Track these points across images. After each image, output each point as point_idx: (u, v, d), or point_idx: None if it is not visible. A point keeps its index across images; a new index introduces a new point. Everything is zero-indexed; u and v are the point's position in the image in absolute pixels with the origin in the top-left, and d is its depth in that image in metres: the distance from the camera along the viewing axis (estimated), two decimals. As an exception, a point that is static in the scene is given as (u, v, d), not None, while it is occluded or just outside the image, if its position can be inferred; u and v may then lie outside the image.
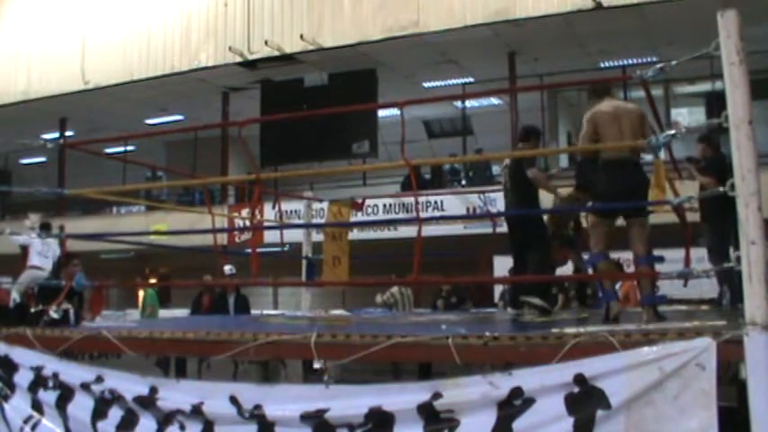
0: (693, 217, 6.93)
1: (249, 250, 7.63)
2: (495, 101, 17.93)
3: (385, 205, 14.29)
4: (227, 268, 9.54)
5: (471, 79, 16.25)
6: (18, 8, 18.83)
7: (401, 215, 13.95)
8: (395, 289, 10.36)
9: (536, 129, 6.62)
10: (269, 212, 10.19)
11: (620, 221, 5.04)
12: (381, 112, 15.66)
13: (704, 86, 15.88)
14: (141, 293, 13.78)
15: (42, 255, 9.28)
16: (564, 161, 14.69)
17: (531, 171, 6.06)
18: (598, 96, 5.26)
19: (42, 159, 21.98)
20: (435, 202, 14.03)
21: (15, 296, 9.09)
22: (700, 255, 6.82)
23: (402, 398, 3.51)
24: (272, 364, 6.61)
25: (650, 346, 3.18)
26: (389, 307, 10.25)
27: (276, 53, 15.28)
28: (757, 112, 3.29)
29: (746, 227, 3.08)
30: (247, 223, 9.27)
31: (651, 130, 4.97)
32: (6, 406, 4.55)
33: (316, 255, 8.26)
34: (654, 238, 7.04)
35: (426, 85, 16.80)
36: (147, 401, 4.04)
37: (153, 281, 15.10)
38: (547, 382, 3.26)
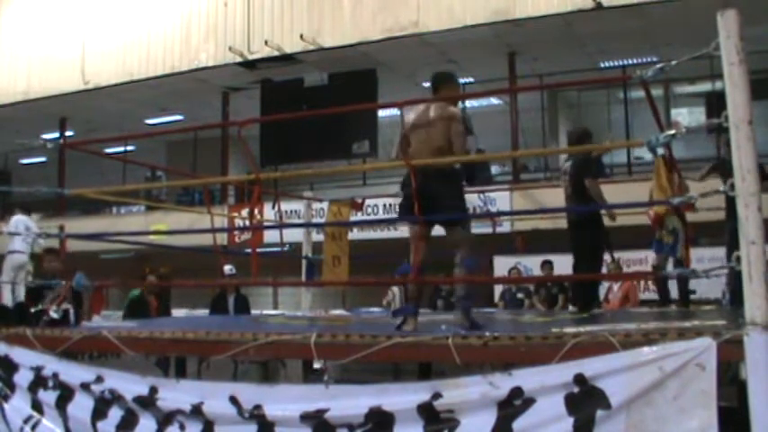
0: (694, 217, 6.94)
1: (249, 250, 7.63)
2: (495, 101, 17.92)
3: (385, 205, 14.26)
4: (227, 268, 9.52)
5: (471, 79, 16.21)
6: (18, 8, 18.83)
7: (401, 215, 13.90)
8: (395, 288, 10.37)
9: (588, 132, 6.84)
10: (269, 212, 10.19)
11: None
12: (381, 112, 15.64)
13: (704, 86, 15.90)
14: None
15: (24, 241, 9.48)
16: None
17: (588, 180, 6.43)
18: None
19: (42, 159, 21.96)
20: (435, 202, 14.00)
21: (10, 294, 9.09)
22: (699, 255, 6.82)
23: (402, 398, 3.51)
24: (272, 364, 6.61)
25: (650, 346, 3.17)
26: (389, 305, 10.27)
27: (276, 53, 15.28)
28: (757, 112, 3.28)
29: (746, 227, 3.07)
30: (247, 223, 9.25)
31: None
32: (6, 406, 4.53)
33: (316, 255, 8.26)
34: (653, 238, 7.05)
35: (426, 85, 16.67)
36: (147, 401, 4.03)
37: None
38: (547, 382, 3.25)
